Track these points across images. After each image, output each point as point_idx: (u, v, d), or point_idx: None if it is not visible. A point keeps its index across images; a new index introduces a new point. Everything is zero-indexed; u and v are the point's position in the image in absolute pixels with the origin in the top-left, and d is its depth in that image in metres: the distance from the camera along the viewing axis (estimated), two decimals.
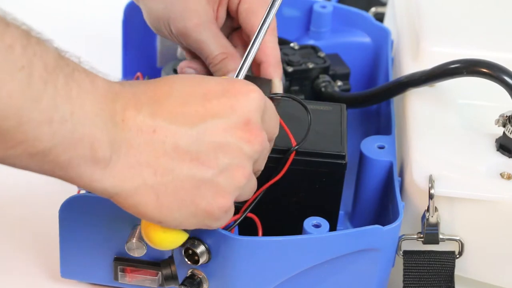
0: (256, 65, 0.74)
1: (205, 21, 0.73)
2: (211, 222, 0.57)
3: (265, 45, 0.73)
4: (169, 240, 0.60)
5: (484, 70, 0.71)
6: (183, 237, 0.60)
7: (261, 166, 0.61)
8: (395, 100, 0.81)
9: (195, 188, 0.55)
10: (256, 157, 0.58)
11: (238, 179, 0.56)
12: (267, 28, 0.67)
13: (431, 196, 0.67)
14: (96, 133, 0.51)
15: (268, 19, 0.66)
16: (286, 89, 0.83)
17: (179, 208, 0.55)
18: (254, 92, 0.57)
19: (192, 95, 0.56)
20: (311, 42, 0.89)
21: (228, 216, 0.58)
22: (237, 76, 0.65)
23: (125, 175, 0.53)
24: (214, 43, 0.73)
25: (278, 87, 0.73)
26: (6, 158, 0.50)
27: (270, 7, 0.67)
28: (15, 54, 0.47)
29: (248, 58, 0.65)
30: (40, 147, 0.50)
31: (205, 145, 0.55)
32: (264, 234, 0.65)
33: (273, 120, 0.61)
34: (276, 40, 0.74)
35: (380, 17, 1.03)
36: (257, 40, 0.66)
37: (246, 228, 0.66)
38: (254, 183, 0.60)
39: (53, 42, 0.51)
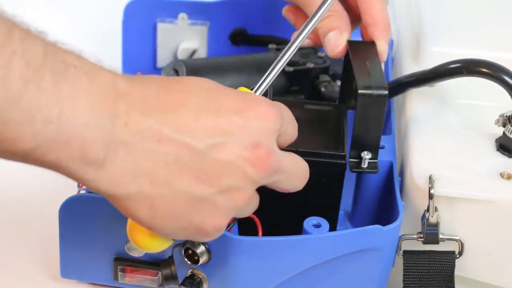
0: (363, 28, 0.73)
1: None
2: (201, 237, 0.56)
3: (372, 8, 0.71)
4: (153, 246, 0.59)
5: (484, 70, 0.71)
6: (168, 243, 0.59)
7: (284, 184, 0.59)
8: (395, 100, 0.81)
9: (191, 204, 0.54)
10: (261, 182, 0.56)
11: (237, 202, 0.55)
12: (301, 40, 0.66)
13: (431, 196, 0.67)
14: (89, 134, 0.49)
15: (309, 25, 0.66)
16: (286, 89, 0.83)
17: (172, 220, 0.54)
18: (270, 115, 0.55)
19: (205, 109, 0.54)
20: None
21: (219, 234, 0.57)
22: (257, 90, 0.63)
23: (120, 180, 0.52)
24: None
25: (383, 50, 0.72)
26: None
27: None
28: None
29: (274, 70, 0.64)
30: (21, 146, 0.48)
31: (209, 163, 0.53)
32: (264, 234, 0.65)
33: (291, 130, 0.59)
34: (385, 4, 0.72)
35: None
36: (287, 53, 0.65)
37: (246, 228, 0.66)
38: (255, 203, 0.59)
39: (47, 36, 0.49)
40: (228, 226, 0.64)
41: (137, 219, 0.54)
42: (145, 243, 0.58)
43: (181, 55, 0.93)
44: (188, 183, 0.53)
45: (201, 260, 0.64)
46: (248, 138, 0.54)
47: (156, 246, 0.59)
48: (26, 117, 0.47)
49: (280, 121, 0.56)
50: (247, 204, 0.56)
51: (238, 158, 0.54)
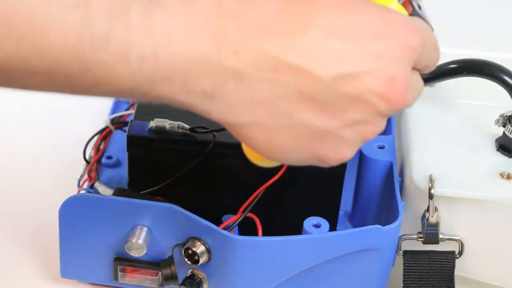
0: None
1: None
2: (322, 165, 0.52)
3: None
4: (266, 165, 0.57)
5: (484, 70, 0.71)
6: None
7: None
8: None
9: (314, 137, 0.49)
10: (392, 114, 0.51)
11: (365, 135, 0.50)
12: None
13: (431, 196, 0.67)
14: (190, 68, 0.45)
15: None
16: None
17: (291, 151, 0.50)
18: (410, 43, 0.49)
19: (335, 32, 0.47)
20: None
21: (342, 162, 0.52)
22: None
23: (233, 110, 0.47)
24: None
25: None
26: (89, 94, 0.46)
27: None
28: None
29: None
30: (119, 86, 0.44)
31: (335, 96, 0.48)
32: (264, 234, 0.65)
33: (430, 58, 0.53)
34: None
35: None
36: None
37: (246, 228, 0.66)
38: (382, 129, 0.52)
39: None
40: (229, 226, 0.64)
41: (253, 147, 0.51)
42: (259, 162, 0.56)
43: None
44: (310, 116, 0.48)
45: (201, 260, 0.64)
46: (383, 71, 0.48)
47: (269, 164, 0.57)
48: (117, 57, 0.43)
49: (421, 49, 0.50)
50: (375, 134, 0.51)
51: (369, 92, 0.48)
